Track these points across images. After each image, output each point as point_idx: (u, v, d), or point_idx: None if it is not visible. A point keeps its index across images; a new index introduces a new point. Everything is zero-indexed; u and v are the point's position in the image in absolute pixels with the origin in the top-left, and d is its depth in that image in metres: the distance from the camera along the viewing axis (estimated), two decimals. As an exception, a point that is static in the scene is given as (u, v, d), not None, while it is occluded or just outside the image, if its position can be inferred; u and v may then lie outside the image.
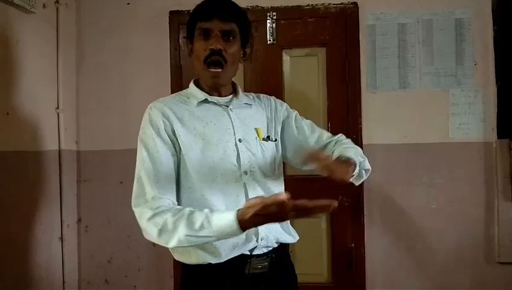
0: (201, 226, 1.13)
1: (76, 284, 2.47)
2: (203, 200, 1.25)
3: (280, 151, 1.43)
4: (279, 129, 1.45)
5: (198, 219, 1.15)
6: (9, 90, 2.02)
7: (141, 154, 1.26)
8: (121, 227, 2.42)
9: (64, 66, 2.40)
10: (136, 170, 1.27)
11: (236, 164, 1.30)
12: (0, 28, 1.97)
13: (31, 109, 2.15)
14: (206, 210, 1.17)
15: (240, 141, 1.33)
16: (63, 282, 2.36)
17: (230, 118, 1.35)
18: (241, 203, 1.26)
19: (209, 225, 1.13)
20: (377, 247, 2.33)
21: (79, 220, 2.49)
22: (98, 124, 2.49)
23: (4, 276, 1.94)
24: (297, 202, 1.04)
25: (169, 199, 1.23)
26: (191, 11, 1.37)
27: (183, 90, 1.42)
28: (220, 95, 1.37)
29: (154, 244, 1.24)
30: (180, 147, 1.28)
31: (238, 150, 1.31)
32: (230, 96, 1.40)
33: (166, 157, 1.26)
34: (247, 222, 1.10)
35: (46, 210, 2.25)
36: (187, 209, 1.19)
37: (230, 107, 1.36)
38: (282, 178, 1.44)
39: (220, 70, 1.29)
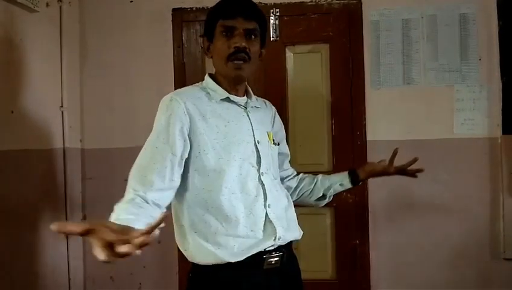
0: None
1: (82, 281, 2.48)
2: (221, 199, 1.25)
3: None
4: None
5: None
6: (13, 88, 2.02)
7: (151, 140, 1.27)
8: (126, 225, 2.42)
9: (67, 65, 2.40)
10: (145, 144, 1.27)
11: (256, 165, 1.32)
12: (4, 27, 1.98)
13: (35, 107, 2.15)
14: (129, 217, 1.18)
15: (258, 142, 1.34)
16: (69, 279, 2.38)
17: (249, 119, 1.36)
18: (260, 202, 1.29)
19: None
20: (382, 243, 2.33)
21: (84, 218, 2.50)
22: (102, 122, 2.49)
23: (10, 274, 1.95)
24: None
25: (150, 196, 1.23)
26: (210, 9, 1.36)
27: (199, 83, 1.41)
28: (237, 94, 1.38)
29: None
30: (198, 145, 1.26)
31: (258, 151, 1.33)
32: (245, 97, 1.40)
33: (180, 151, 1.25)
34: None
35: (51, 208, 2.26)
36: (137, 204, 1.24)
37: (248, 108, 1.38)
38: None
39: (243, 62, 1.30)
